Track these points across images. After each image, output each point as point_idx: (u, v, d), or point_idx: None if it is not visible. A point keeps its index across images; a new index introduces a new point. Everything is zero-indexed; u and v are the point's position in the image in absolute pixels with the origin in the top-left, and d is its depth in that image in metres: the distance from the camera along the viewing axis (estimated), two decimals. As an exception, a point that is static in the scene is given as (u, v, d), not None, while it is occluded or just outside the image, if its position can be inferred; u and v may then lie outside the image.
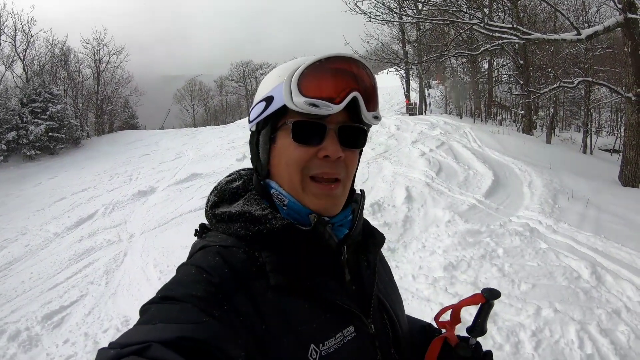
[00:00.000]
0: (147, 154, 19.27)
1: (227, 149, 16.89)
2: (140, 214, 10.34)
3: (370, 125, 0.99)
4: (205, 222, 1.05)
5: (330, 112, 0.89)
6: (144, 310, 0.79)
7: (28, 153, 22.57)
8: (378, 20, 19.36)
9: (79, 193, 13.33)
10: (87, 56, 31.43)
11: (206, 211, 1.03)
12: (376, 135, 15.46)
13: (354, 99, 0.90)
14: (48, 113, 23.75)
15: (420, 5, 22.65)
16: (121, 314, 5.82)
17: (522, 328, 4.37)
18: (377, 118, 0.97)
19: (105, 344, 0.83)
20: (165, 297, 0.80)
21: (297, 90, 0.89)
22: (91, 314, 5.93)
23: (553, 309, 4.66)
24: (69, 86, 30.38)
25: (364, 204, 1.08)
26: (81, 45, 31.30)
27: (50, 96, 24.39)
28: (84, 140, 26.40)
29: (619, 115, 31.99)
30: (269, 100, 0.96)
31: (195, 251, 0.96)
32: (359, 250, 1.05)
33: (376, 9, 20.44)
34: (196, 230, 1.04)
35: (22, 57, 27.32)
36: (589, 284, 5.25)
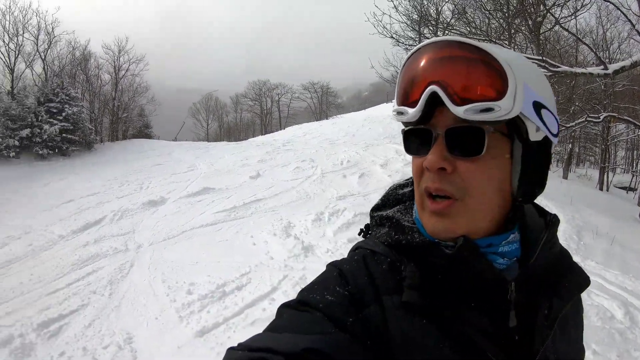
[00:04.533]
0: (160, 164, 19.18)
1: (241, 166, 16.72)
2: (150, 224, 10.12)
3: (500, 123, 0.77)
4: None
5: (411, 119, 0.81)
6: (280, 313, 0.83)
7: (40, 152, 22.72)
8: (405, 45, 19.41)
9: (88, 197, 13.17)
10: (107, 62, 31.73)
11: (370, 212, 1.01)
12: (392, 162, 15.37)
13: (433, 95, 0.77)
14: (64, 114, 23.92)
15: (440, 33, 22.73)
16: (124, 330, 5.53)
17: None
18: (486, 111, 0.74)
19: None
20: (301, 302, 0.82)
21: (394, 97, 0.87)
22: (91, 327, 5.66)
23: (591, 350, 4.65)
24: (87, 90, 30.57)
25: (554, 231, 0.90)
26: (102, 51, 31.48)
27: (67, 97, 24.61)
28: (97, 144, 26.46)
29: (635, 153, 31.79)
30: None
31: (351, 250, 0.95)
32: (541, 290, 0.86)
33: (405, 32, 20.46)
34: (361, 229, 1.03)
35: (42, 57, 27.53)
36: (623, 324, 5.29)
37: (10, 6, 25.97)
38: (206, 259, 7.82)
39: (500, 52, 0.75)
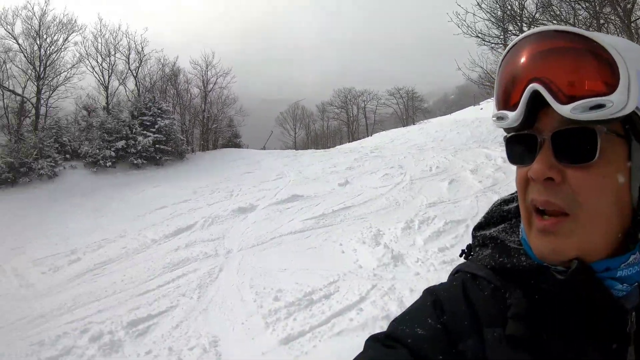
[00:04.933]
0: (249, 172, 19.57)
1: (329, 173, 16.58)
2: (239, 230, 10.12)
3: (613, 121, 0.66)
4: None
5: (512, 124, 0.73)
6: (366, 347, 0.78)
7: (135, 162, 24.20)
8: (490, 44, 18.58)
9: (180, 204, 13.57)
10: (195, 76, 33.43)
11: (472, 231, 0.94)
12: (482, 167, 14.48)
13: (535, 94, 0.68)
14: (156, 126, 25.35)
15: (526, 28, 21.43)
16: (210, 333, 5.42)
17: None
18: (596, 108, 0.64)
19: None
20: (389, 336, 0.77)
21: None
22: (178, 328, 5.61)
23: None
24: (178, 103, 32.39)
25: None
26: (190, 66, 33.43)
27: (159, 111, 26.15)
28: (189, 154, 27.75)
29: None
30: None
31: (451, 273, 0.88)
32: None
33: (490, 30, 19.58)
34: (463, 250, 0.93)
35: (134, 74, 29.77)
36: None
37: (101, 29, 28.54)
38: (294, 266, 7.59)
39: (605, 38, 0.66)
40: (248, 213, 11.64)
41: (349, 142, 42.45)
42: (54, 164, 22.08)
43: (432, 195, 11.30)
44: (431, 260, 7.15)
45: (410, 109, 56.27)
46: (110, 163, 23.55)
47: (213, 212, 11.88)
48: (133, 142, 24.47)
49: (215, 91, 33.68)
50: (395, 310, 5.22)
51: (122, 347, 5.32)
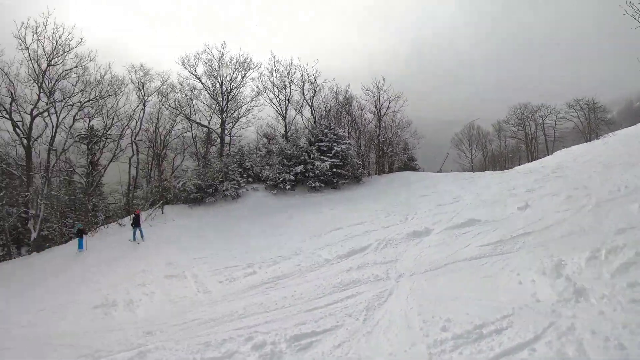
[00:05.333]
0: (425, 195, 19.07)
1: (508, 196, 15.26)
2: (413, 255, 9.71)
3: None
4: None
5: None
6: None
7: (313, 185, 25.66)
8: None
9: (355, 226, 13.69)
10: (368, 102, 34.39)
11: None
12: None
13: None
14: (333, 151, 26.57)
15: None
16: (370, 358, 5.13)
17: None
18: None
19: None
20: None
21: None
22: (340, 348, 5.43)
23: None
24: (352, 128, 33.79)
25: None
26: (362, 92, 34.55)
27: (335, 137, 27.42)
28: (365, 177, 28.52)
29: None
30: None
31: None
32: None
33: None
34: None
35: (309, 103, 31.86)
36: None
37: (275, 65, 31.06)
38: (467, 295, 6.90)
39: None
40: (423, 237, 11.21)
41: (527, 161, 39.29)
42: (237, 186, 24.51)
43: (620, 219, 9.56)
44: (618, 297, 5.86)
45: (593, 122, 50.04)
46: (289, 186, 25.26)
47: (387, 235, 11.71)
48: (311, 166, 25.99)
49: (389, 115, 34.05)
50: (573, 355, 4.39)
51: (282, 358, 5.34)
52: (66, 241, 25.28)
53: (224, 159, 25.86)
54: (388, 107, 33.70)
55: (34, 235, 23.87)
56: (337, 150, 26.39)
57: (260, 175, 26.27)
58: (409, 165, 33.90)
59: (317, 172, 25.60)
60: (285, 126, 30.64)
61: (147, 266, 13.62)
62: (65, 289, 12.71)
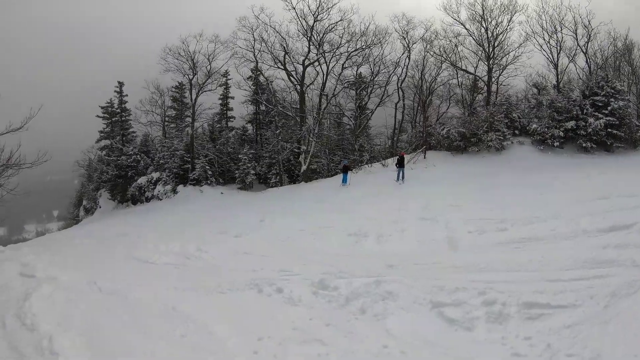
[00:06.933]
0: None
1: None
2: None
3: None
4: None
5: None
6: None
7: (583, 145, 23.54)
8: None
9: (625, 198, 11.95)
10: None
11: None
12: None
13: None
14: (609, 108, 23.62)
15: None
16: (601, 352, 4.57)
17: None
18: None
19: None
20: None
21: None
22: (570, 329, 5.15)
23: None
24: (633, 82, 29.38)
25: None
26: None
27: (612, 91, 24.12)
28: (643, 142, 24.57)
29: None
30: None
31: None
32: None
33: None
34: None
35: (584, 50, 28.67)
36: None
37: (543, 6, 28.44)
38: None
39: None
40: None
41: None
42: (502, 138, 23.86)
43: None
44: None
45: None
46: (557, 143, 23.57)
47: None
48: (583, 123, 23.88)
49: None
50: None
51: (507, 322, 5.50)
52: (332, 175, 28.93)
53: (490, 108, 25.45)
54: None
55: (303, 167, 28.20)
56: (615, 107, 23.45)
57: (527, 128, 24.97)
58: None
59: (589, 130, 23.32)
60: (557, 76, 28.55)
61: (403, 205, 14.82)
62: (323, 216, 14.85)
